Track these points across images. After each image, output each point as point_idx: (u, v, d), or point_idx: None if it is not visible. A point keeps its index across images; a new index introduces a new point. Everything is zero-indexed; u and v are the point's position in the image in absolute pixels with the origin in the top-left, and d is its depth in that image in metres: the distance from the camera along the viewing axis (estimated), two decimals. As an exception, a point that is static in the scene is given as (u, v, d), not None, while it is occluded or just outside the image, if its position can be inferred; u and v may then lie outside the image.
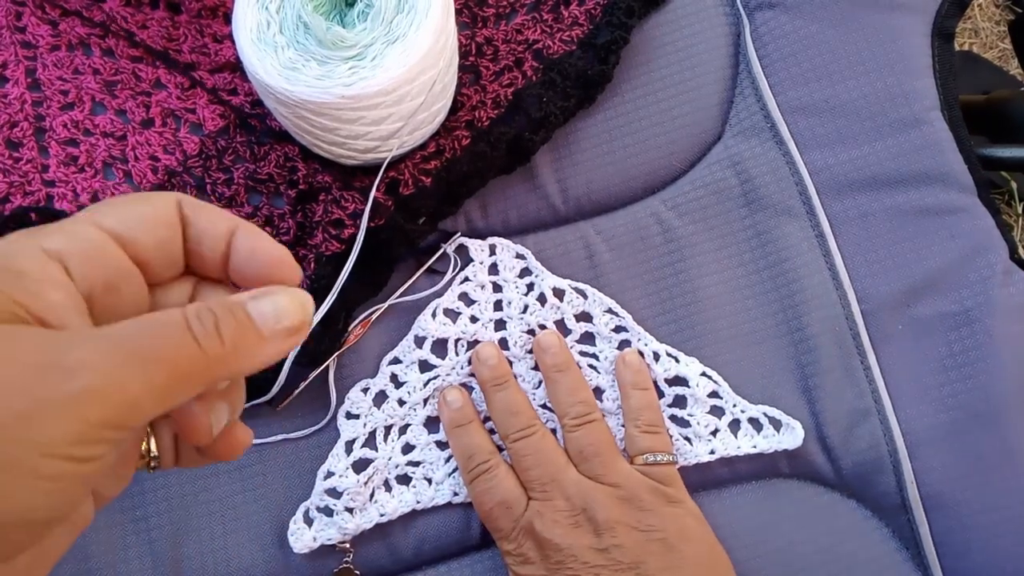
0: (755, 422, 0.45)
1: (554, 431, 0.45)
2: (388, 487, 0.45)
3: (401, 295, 0.48)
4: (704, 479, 0.45)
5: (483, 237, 0.48)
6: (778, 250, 0.47)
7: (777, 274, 0.47)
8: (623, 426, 0.45)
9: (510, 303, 0.47)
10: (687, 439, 0.45)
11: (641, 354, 0.46)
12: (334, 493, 0.44)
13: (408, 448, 0.46)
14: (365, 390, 0.46)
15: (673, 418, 0.45)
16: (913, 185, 0.47)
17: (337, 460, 0.45)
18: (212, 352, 0.22)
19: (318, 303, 0.44)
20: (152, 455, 0.27)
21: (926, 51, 0.50)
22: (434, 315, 0.47)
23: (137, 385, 0.20)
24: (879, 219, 0.47)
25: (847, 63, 0.49)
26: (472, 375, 0.46)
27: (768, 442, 0.44)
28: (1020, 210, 0.94)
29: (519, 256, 0.48)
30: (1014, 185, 0.93)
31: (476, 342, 0.47)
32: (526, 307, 0.47)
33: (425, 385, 0.46)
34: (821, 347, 0.46)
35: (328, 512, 0.44)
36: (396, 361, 0.47)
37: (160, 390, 0.21)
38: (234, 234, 0.26)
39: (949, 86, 0.49)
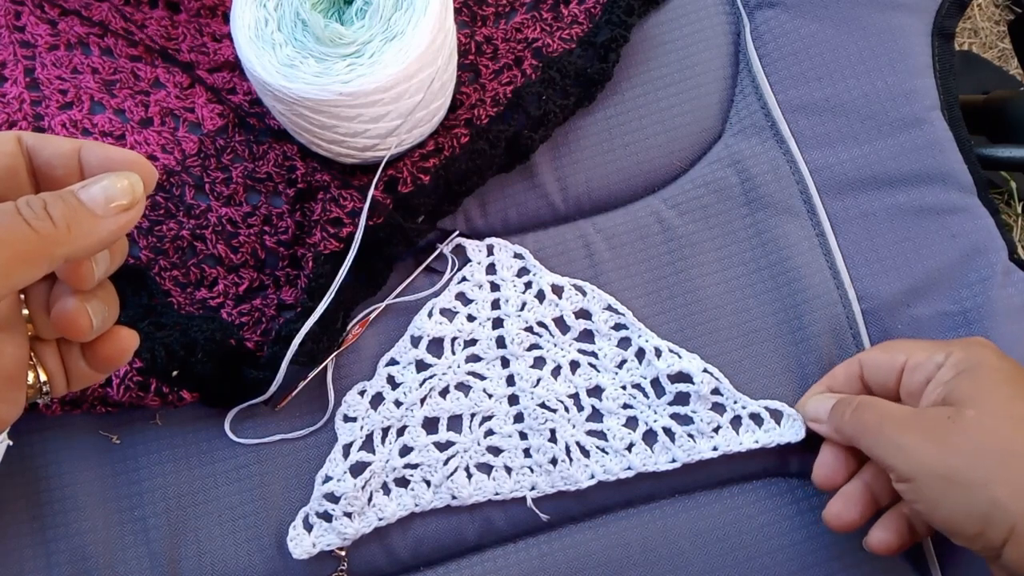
0: (756, 417, 0.45)
1: (553, 431, 0.45)
2: (387, 490, 0.45)
3: (399, 295, 0.48)
4: (706, 478, 0.45)
5: (482, 236, 0.48)
6: (779, 249, 0.47)
7: (778, 273, 0.47)
8: (623, 426, 0.45)
9: (507, 301, 0.47)
10: (690, 436, 0.45)
11: (642, 351, 0.46)
12: (332, 498, 0.44)
13: (406, 450, 0.45)
14: (362, 392, 0.46)
15: (675, 415, 0.45)
16: (913, 184, 0.47)
17: (335, 464, 0.45)
18: (44, 232, 0.24)
19: (316, 302, 0.44)
20: (42, 382, 0.29)
21: (926, 51, 0.50)
22: (430, 315, 0.47)
23: None
24: (880, 218, 0.47)
25: (847, 62, 0.49)
26: (470, 374, 0.46)
27: (769, 436, 0.44)
28: (1019, 210, 0.94)
29: (517, 256, 0.48)
30: (1013, 185, 0.93)
31: (473, 341, 0.47)
32: (524, 304, 0.47)
33: (421, 385, 0.46)
34: (822, 346, 0.46)
35: (327, 517, 0.44)
36: (393, 362, 0.47)
37: (1, 270, 0.23)
38: (81, 150, 0.28)
39: (949, 86, 0.49)
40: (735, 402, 0.45)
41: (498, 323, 0.47)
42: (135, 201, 0.26)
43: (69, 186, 0.26)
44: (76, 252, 0.25)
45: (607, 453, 0.45)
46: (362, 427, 0.45)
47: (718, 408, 0.45)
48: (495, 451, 0.45)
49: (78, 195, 0.26)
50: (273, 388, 0.44)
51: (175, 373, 0.43)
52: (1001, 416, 0.35)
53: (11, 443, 0.45)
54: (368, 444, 0.45)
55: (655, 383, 0.46)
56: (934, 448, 0.35)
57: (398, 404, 0.46)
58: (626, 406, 0.46)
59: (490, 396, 0.46)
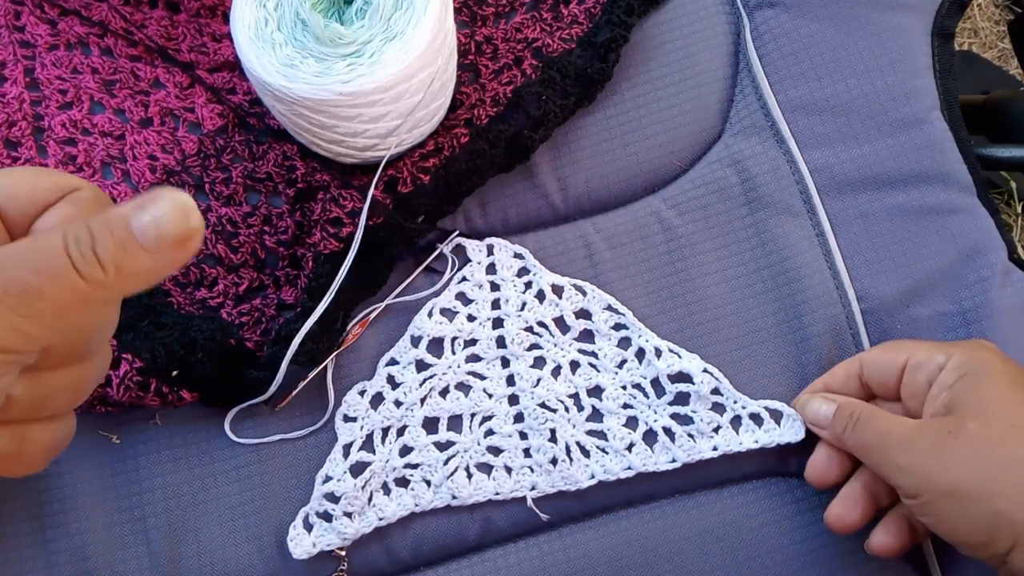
0: (756, 417, 0.45)
1: (553, 431, 0.45)
2: (387, 490, 0.45)
3: (399, 295, 0.48)
4: (706, 478, 0.45)
5: (482, 236, 0.48)
6: (778, 249, 0.47)
7: (777, 273, 0.47)
8: (623, 426, 0.45)
9: (508, 301, 0.47)
10: (690, 436, 0.45)
11: (643, 351, 0.46)
12: (332, 498, 0.44)
13: (406, 450, 0.45)
14: (362, 392, 0.46)
15: (675, 415, 0.45)
16: (913, 184, 0.47)
17: (335, 464, 0.45)
18: (94, 279, 0.21)
19: (316, 302, 0.44)
20: None
21: (926, 50, 0.50)
22: (430, 314, 0.47)
23: (21, 320, 0.21)
24: (879, 218, 0.47)
25: (847, 62, 0.49)
26: (470, 374, 0.46)
27: (769, 436, 0.44)
28: (1019, 210, 0.94)
29: (517, 255, 0.48)
30: (1013, 185, 0.93)
31: (474, 340, 0.47)
32: (524, 304, 0.47)
33: (421, 385, 0.46)
34: (821, 346, 0.46)
35: (327, 517, 0.44)
36: (393, 362, 0.47)
37: (47, 321, 0.21)
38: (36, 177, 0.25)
39: (949, 86, 0.49)
40: (735, 402, 0.45)
41: (498, 323, 0.47)
42: (189, 233, 0.22)
43: (121, 206, 0.22)
44: (124, 294, 0.23)
45: (607, 453, 0.45)
46: (362, 427, 0.45)
47: (718, 408, 0.45)
48: (495, 451, 0.45)
49: (130, 224, 0.22)
50: (273, 388, 0.44)
51: (175, 373, 0.43)
52: (1003, 425, 0.36)
53: (11, 443, 0.45)
54: (368, 444, 0.45)
55: (655, 383, 0.46)
56: (937, 465, 0.36)
57: (398, 404, 0.46)
58: (626, 406, 0.46)
59: (490, 396, 0.46)
